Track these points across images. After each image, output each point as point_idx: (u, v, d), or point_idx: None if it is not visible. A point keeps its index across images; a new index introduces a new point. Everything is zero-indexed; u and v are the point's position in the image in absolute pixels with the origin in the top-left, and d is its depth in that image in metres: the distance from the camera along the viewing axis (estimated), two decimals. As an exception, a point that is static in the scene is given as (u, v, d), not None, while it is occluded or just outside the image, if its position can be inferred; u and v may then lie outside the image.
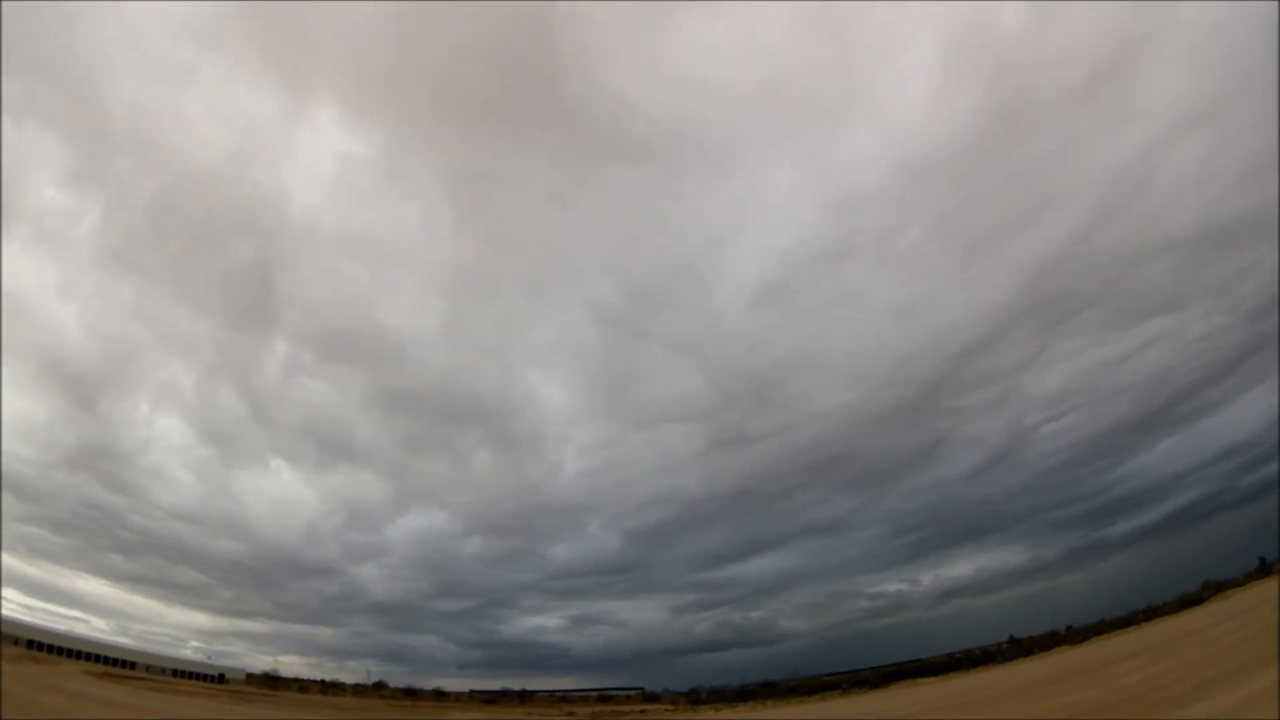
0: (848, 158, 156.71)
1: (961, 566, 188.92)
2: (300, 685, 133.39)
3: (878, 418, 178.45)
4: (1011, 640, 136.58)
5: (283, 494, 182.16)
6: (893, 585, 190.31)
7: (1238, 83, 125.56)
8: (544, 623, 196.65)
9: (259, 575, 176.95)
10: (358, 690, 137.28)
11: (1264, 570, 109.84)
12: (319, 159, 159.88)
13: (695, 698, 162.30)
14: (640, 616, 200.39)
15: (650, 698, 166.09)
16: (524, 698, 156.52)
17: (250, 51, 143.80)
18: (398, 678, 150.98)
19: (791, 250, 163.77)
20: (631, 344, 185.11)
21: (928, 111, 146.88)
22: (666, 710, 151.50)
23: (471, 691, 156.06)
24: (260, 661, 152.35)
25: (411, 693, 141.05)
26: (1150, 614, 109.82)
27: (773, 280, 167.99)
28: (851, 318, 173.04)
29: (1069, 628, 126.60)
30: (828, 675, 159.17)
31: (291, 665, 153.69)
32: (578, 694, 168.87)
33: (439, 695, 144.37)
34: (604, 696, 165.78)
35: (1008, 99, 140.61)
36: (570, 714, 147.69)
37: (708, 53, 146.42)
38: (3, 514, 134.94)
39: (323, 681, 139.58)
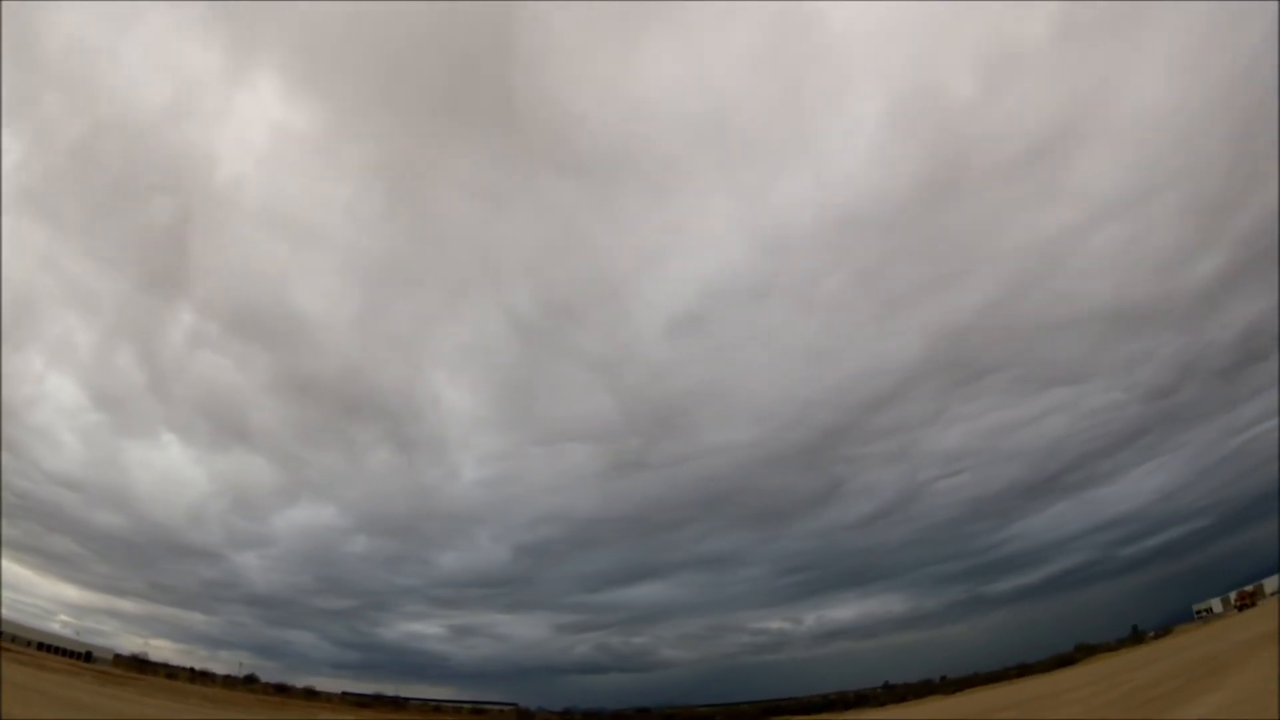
0: (782, 199, 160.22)
1: (844, 610, 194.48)
2: (169, 671, 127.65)
3: (778, 458, 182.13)
4: (886, 686, 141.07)
5: (171, 470, 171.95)
6: (775, 623, 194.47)
7: (1162, 177, 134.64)
8: (424, 630, 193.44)
9: (137, 552, 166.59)
10: (228, 682, 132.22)
11: (1136, 638, 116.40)
12: (254, 126, 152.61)
13: (569, 718, 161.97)
14: (521, 632, 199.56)
15: (524, 715, 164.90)
16: (397, 704, 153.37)
17: (200, 3, 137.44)
18: (270, 672, 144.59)
19: (714, 283, 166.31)
20: (543, 357, 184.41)
21: (866, 165, 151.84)
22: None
23: (344, 693, 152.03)
24: (130, 643, 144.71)
25: (283, 689, 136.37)
26: (1023, 670, 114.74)
27: (692, 310, 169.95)
28: (764, 357, 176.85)
29: (943, 678, 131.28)
30: (703, 706, 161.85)
31: (162, 650, 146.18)
32: (451, 705, 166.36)
33: (310, 694, 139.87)
34: (478, 710, 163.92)
35: (945, 164, 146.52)
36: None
37: (662, 78, 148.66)
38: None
39: (192, 669, 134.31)
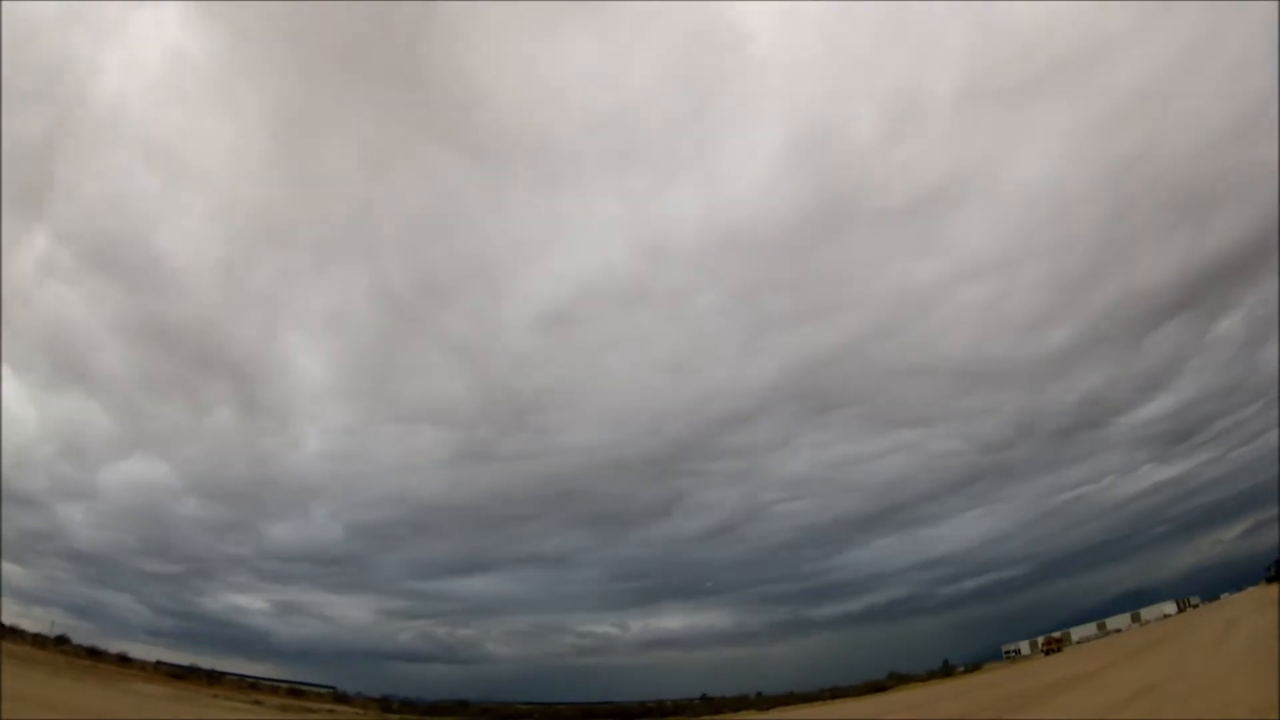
0: (670, 210, 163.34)
1: (671, 620, 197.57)
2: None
3: (625, 464, 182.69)
4: (704, 698, 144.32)
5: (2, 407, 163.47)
6: (602, 627, 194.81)
7: (1031, 248, 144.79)
8: (248, 603, 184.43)
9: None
10: (38, 640, 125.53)
11: (946, 671, 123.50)
12: (148, 47, 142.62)
13: (387, 705, 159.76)
14: (346, 614, 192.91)
15: (341, 698, 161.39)
16: (212, 678, 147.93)
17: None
18: (83, 634, 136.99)
19: (590, 282, 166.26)
20: (406, 332, 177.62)
21: (758, 190, 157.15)
22: (356, 713, 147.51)
23: (159, 662, 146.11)
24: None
25: (95, 653, 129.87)
26: (836, 693, 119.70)
27: (563, 306, 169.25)
28: (627, 362, 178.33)
29: (760, 694, 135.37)
30: (523, 704, 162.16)
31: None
32: (268, 683, 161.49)
33: (123, 660, 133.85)
34: (295, 690, 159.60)
35: (833, 202, 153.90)
36: (257, 703, 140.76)
37: (575, 70, 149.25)
38: None
39: (1, 624, 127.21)
